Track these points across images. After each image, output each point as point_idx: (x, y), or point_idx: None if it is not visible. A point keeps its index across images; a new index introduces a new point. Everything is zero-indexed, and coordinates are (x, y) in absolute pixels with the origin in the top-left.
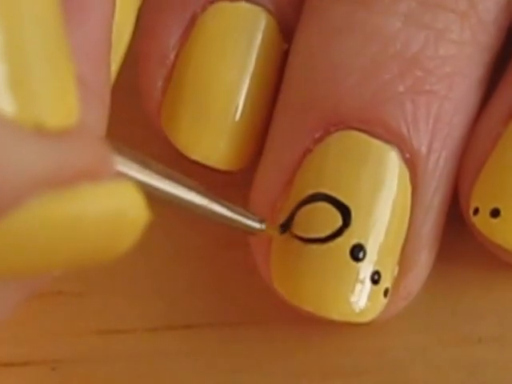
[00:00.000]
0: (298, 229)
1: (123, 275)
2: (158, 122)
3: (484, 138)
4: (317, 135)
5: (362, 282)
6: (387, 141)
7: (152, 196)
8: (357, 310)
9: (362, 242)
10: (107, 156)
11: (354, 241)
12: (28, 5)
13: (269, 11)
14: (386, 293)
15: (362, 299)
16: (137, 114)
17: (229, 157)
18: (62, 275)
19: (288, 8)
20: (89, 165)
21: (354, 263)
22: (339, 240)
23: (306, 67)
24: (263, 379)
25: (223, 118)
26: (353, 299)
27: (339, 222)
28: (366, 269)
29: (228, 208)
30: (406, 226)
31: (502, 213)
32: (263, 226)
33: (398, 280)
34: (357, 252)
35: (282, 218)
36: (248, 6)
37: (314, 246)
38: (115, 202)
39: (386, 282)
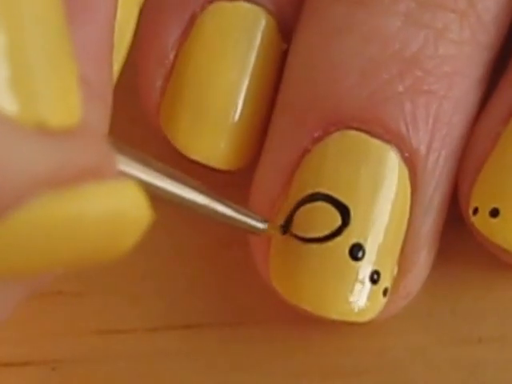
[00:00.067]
0: (297, 228)
1: (123, 275)
2: (157, 122)
3: (484, 138)
4: (316, 135)
5: (362, 281)
6: (386, 140)
7: (154, 195)
8: (356, 310)
9: (361, 241)
10: (110, 155)
11: (353, 240)
12: (29, 4)
13: (268, 11)
14: (385, 292)
15: (361, 299)
16: (136, 113)
17: (228, 157)
18: (62, 275)
19: (287, 8)
20: (91, 164)
21: (353, 263)
22: (338, 239)
23: (306, 67)
24: (263, 379)
25: (222, 117)
26: (352, 299)
27: (338, 222)
28: (365, 268)
29: (230, 207)
30: (405, 225)
31: (502, 213)
32: (265, 226)
33: (397, 280)
34: (356, 251)
35: (281, 218)
36: (247, 5)
37: (313, 246)
38: (117, 202)
39: (385, 281)
